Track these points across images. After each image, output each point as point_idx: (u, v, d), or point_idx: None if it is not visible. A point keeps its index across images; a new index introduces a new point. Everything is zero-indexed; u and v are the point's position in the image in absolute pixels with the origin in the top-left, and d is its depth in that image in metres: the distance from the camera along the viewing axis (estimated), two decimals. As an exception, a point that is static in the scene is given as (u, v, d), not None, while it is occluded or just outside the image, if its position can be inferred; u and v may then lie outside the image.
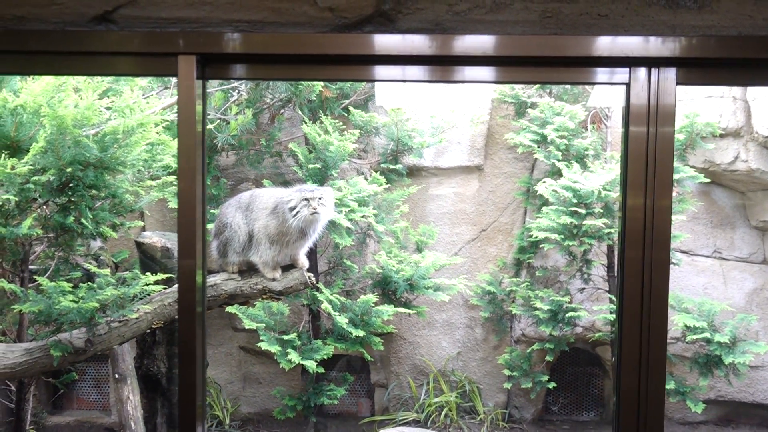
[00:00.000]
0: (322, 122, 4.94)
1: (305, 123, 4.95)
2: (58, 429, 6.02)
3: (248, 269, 3.58)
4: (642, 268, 1.83)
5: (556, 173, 5.34)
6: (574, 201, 4.98)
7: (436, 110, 5.56)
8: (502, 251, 6.16)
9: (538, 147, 5.41)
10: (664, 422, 5.68)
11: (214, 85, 4.86)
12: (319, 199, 3.35)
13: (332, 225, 4.64)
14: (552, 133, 5.21)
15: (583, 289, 5.66)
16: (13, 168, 2.91)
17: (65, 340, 3.03)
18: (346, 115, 5.29)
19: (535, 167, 6.07)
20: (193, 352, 1.77)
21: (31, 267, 3.55)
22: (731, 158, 5.52)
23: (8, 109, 2.98)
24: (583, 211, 4.98)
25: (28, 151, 3.03)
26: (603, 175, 5.02)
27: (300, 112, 5.08)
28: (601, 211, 5.04)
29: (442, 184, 6.13)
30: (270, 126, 5.34)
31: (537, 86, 5.63)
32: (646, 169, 1.76)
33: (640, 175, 1.78)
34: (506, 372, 5.70)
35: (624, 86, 1.75)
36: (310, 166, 4.81)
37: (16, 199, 2.98)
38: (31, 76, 3.12)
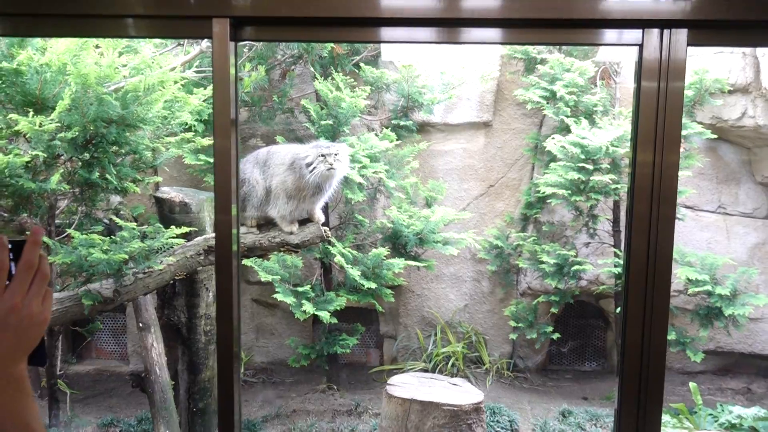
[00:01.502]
0: (333, 79, 4.98)
1: (317, 79, 5.00)
2: (79, 377, 6.26)
3: (266, 223, 3.70)
4: (649, 223, 1.92)
5: (565, 129, 5.40)
6: (582, 157, 5.05)
7: (446, 67, 5.58)
8: (510, 206, 6.27)
9: (547, 103, 5.45)
10: (666, 372, 5.88)
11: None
12: (335, 155, 3.44)
13: (345, 181, 4.74)
14: (561, 89, 5.25)
15: (589, 243, 5.78)
16: (40, 125, 3.01)
17: (94, 290, 3.17)
18: (357, 71, 5.32)
19: (543, 123, 6.12)
20: (230, 302, 1.90)
21: (56, 222, 3.68)
22: (739, 114, 5.56)
23: (33, 68, 3.06)
24: (590, 167, 5.06)
25: (52, 109, 3.12)
26: (611, 131, 5.08)
27: (312, 68, 5.12)
28: (609, 166, 5.12)
29: (451, 140, 6.20)
30: (282, 83, 5.38)
31: (547, 42, 5.63)
32: (655, 127, 1.84)
33: (650, 134, 1.86)
34: (512, 323, 5.88)
35: (636, 47, 1.83)
36: (322, 122, 4.88)
37: (44, 155, 3.08)
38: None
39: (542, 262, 5.53)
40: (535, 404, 5.68)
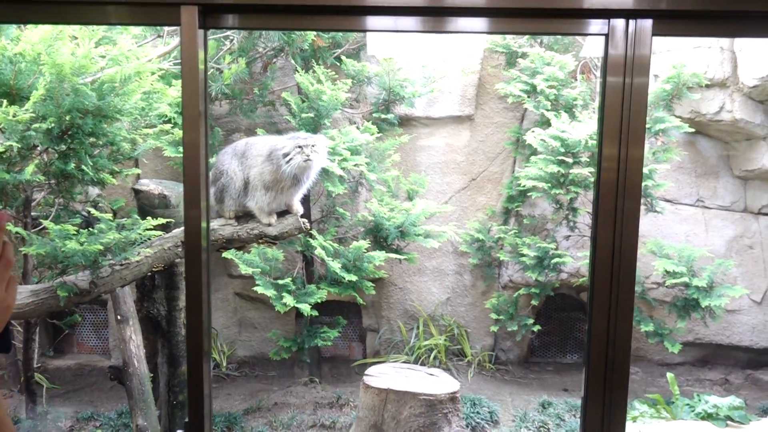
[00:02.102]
0: (314, 71, 4.98)
1: (298, 72, 4.99)
2: (60, 371, 6.22)
3: (244, 215, 3.69)
4: (614, 216, 1.95)
5: (545, 123, 5.43)
6: (562, 150, 5.09)
7: (427, 60, 5.60)
8: (492, 200, 6.31)
9: (528, 97, 5.48)
10: (645, 364, 5.90)
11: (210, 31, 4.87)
12: (312, 146, 3.43)
13: (325, 173, 4.74)
14: (541, 83, 5.29)
15: (569, 236, 5.83)
16: (14, 115, 2.98)
17: (70, 282, 3.16)
18: (338, 64, 5.32)
19: (525, 117, 6.16)
20: (200, 296, 1.90)
21: (32, 214, 3.66)
22: (717, 108, 5.62)
23: (7, 57, 3.03)
24: (570, 160, 5.10)
25: (28, 99, 3.10)
26: (590, 125, 5.12)
27: (293, 61, 5.11)
28: (588, 160, 5.16)
29: (433, 133, 6.22)
30: (263, 75, 5.37)
31: (528, 36, 5.66)
32: (621, 118, 1.86)
33: (615, 125, 1.88)
34: (493, 316, 5.92)
35: (603, 37, 1.85)
36: (303, 115, 4.88)
37: (18, 146, 3.06)
38: (29, 24, 3.15)
39: (523, 255, 5.57)
40: (516, 396, 5.73)
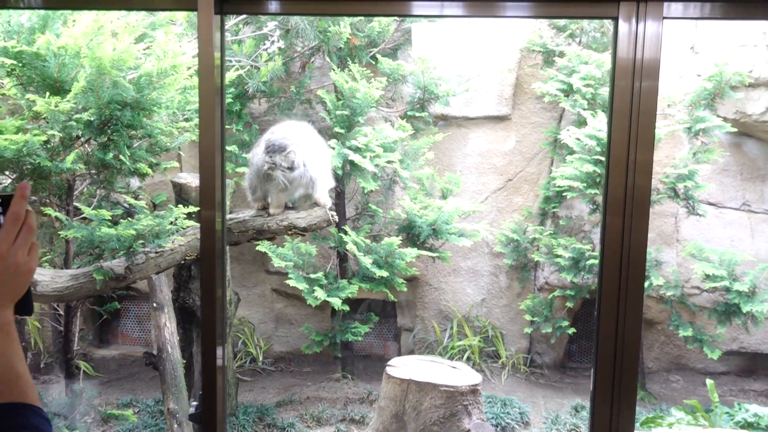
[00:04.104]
0: (350, 70, 5.06)
1: (334, 70, 5.08)
2: (104, 361, 6.46)
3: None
4: (622, 226, 1.92)
5: (582, 122, 5.36)
6: (598, 149, 5.02)
7: (463, 59, 5.61)
8: (528, 201, 6.25)
9: (565, 96, 5.43)
10: (687, 372, 5.71)
11: (246, 33, 5.00)
12: (284, 153, 3.31)
13: (358, 170, 4.81)
14: (578, 82, 5.23)
15: (607, 238, 5.72)
16: (56, 105, 3.14)
17: (107, 267, 3.30)
18: (374, 63, 5.39)
19: (562, 117, 6.10)
20: (214, 293, 1.96)
21: (75, 204, 3.83)
22: (763, 109, 5.44)
23: (51, 51, 3.20)
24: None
25: (69, 92, 3.26)
26: (628, 124, 5.03)
27: (329, 59, 5.20)
28: (625, 160, 5.07)
29: (469, 133, 6.21)
30: (300, 74, 5.48)
31: (566, 35, 5.62)
32: (630, 104, 1.85)
33: (625, 112, 1.87)
34: (528, 317, 5.86)
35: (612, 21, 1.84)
36: (338, 112, 4.96)
37: (61, 135, 3.22)
38: (72, 19, 3.32)
39: (558, 256, 5.50)
40: (550, 399, 5.65)
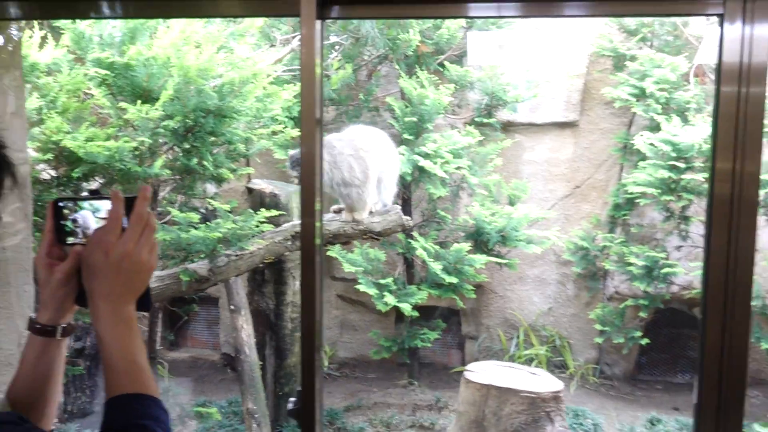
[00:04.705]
0: (418, 77, 5.09)
1: (402, 77, 5.12)
2: (175, 363, 6.65)
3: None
4: (729, 231, 1.85)
5: (655, 128, 5.24)
6: (673, 155, 4.89)
7: (531, 65, 5.57)
8: (597, 208, 6.13)
9: (637, 101, 5.32)
10: (764, 387, 5.45)
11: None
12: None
13: (427, 176, 4.83)
14: (651, 86, 5.11)
15: (681, 246, 5.56)
16: (146, 113, 3.28)
17: (192, 269, 3.41)
18: (441, 70, 5.41)
19: (633, 123, 5.96)
20: (313, 298, 1.98)
21: (158, 208, 3.97)
22: None
23: (141, 61, 3.34)
24: (682, 165, 4.89)
25: (157, 100, 3.39)
26: (705, 129, 4.89)
27: (397, 66, 5.25)
28: (702, 165, 4.93)
29: (536, 140, 6.15)
30: (367, 82, 5.56)
31: (637, 38, 5.51)
32: (737, 106, 1.79)
33: (732, 113, 1.79)
34: (598, 327, 5.73)
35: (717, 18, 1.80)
36: (406, 119, 4.99)
37: (150, 142, 3.36)
38: (165, 26, 3.46)
39: (630, 265, 5.37)
40: (622, 411, 5.51)
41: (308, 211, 1.99)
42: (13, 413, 0.86)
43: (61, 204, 1.09)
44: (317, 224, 2.02)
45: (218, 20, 3.91)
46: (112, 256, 1.00)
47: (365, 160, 3.62)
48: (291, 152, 3.65)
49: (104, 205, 1.07)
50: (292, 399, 2.13)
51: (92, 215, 1.09)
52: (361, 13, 2.07)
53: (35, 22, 3.48)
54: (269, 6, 1.97)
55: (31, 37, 3.44)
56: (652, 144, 5.00)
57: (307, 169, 1.98)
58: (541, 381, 3.47)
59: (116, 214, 1.02)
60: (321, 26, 1.98)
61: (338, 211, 3.74)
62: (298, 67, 4.82)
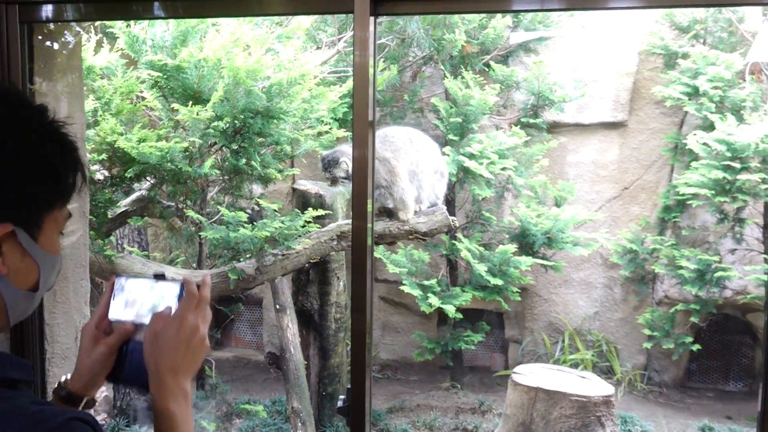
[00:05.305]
0: (463, 77, 5.05)
1: (446, 78, 5.09)
2: (219, 362, 6.74)
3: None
4: None
5: (709, 127, 5.08)
6: (728, 155, 4.74)
7: (579, 63, 5.47)
8: (646, 210, 5.99)
9: (689, 99, 5.17)
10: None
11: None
12: (336, 166, 3.51)
13: (473, 177, 4.78)
14: (705, 84, 4.97)
15: (735, 250, 5.38)
16: (197, 114, 3.33)
17: (239, 268, 3.44)
18: (486, 70, 5.35)
19: (684, 122, 5.81)
20: (364, 298, 1.97)
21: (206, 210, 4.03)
22: None
23: (192, 63, 3.40)
24: (737, 165, 4.73)
25: (207, 101, 3.44)
26: (761, 128, 4.72)
27: (442, 67, 5.22)
28: (759, 165, 4.76)
29: (582, 140, 6.04)
30: (411, 84, 5.54)
31: (690, 35, 5.36)
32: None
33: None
34: (647, 332, 5.59)
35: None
36: (451, 120, 4.96)
37: (201, 142, 3.41)
38: (210, 30, 3.52)
39: (681, 268, 5.21)
40: (672, 419, 5.35)
41: (360, 213, 1.99)
42: (91, 415, 0.89)
43: (122, 280, 1.13)
44: (369, 226, 2.02)
45: (266, 22, 3.95)
46: (184, 332, 1.04)
47: (389, 162, 3.61)
48: (323, 153, 3.66)
49: (167, 289, 1.11)
50: (342, 397, 2.13)
51: (152, 295, 1.12)
52: (413, 9, 2.05)
53: (91, 27, 3.57)
54: (323, 3, 1.97)
55: (87, 41, 3.53)
56: (705, 144, 4.85)
57: (360, 171, 1.97)
58: (591, 385, 3.39)
59: (195, 294, 1.07)
60: (374, 23, 1.98)
61: (383, 212, 3.73)
62: (343, 68, 4.86)
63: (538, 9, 1.94)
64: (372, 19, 1.93)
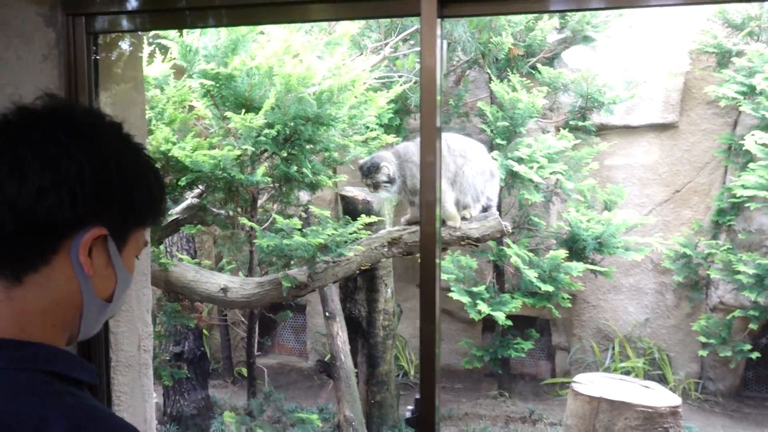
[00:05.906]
0: (509, 81, 4.98)
1: (492, 81, 5.02)
2: (262, 370, 6.76)
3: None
4: None
5: (766, 127, 4.92)
6: (788, 155, 4.57)
7: (628, 64, 5.34)
8: (698, 214, 5.82)
9: (745, 99, 5.01)
10: None
11: (403, 50, 5.08)
12: (374, 170, 3.42)
13: (521, 181, 4.70)
14: (762, 83, 4.80)
15: (795, 254, 5.18)
16: (250, 122, 3.33)
17: (291, 275, 3.43)
18: (533, 73, 5.28)
19: (738, 122, 5.63)
20: (433, 306, 1.92)
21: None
22: None
23: (244, 72, 3.41)
24: (798, 166, 4.56)
25: (258, 109, 3.44)
26: (824, 127, 4.55)
27: (488, 70, 5.16)
28: (821, 166, 4.58)
29: (632, 143, 5.91)
30: (455, 88, 5.48)
31: (744, 33, 5.20)
32: None
33: None
34: (702, 339, 5.41)
35: None
36: (498, 123, 4.89)
37: (253, 149, 3.41)
38: (261, 38, 3.53)
39: (738, 273, 5.04)
40: (730, 429, 5.18)
41: (429, 220, 1.94)
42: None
43: None
44: (437, 234, 1.97)
45: (315, 29, 3.94)
46: None
47: None
48: (361, 161, 3.62)
49: None
50: (410, 407, 2.09)
51: None
52: (478, 10, 2.01)
53: (144, 38, 3.61)
54: (388, 7, 1.94)
55: (141, 52, 3.57)
56: (764, 144, 4.69)
57: (428, 177, 1.93)
58: (655, 395, 3.28)
59: None
60: (440, 25, 1.94)
61: (410, 224, 3.65)
62: (387, 74, 4.84)
63: (604, 7, 1.88)
64: (439, 21, 1.89)
